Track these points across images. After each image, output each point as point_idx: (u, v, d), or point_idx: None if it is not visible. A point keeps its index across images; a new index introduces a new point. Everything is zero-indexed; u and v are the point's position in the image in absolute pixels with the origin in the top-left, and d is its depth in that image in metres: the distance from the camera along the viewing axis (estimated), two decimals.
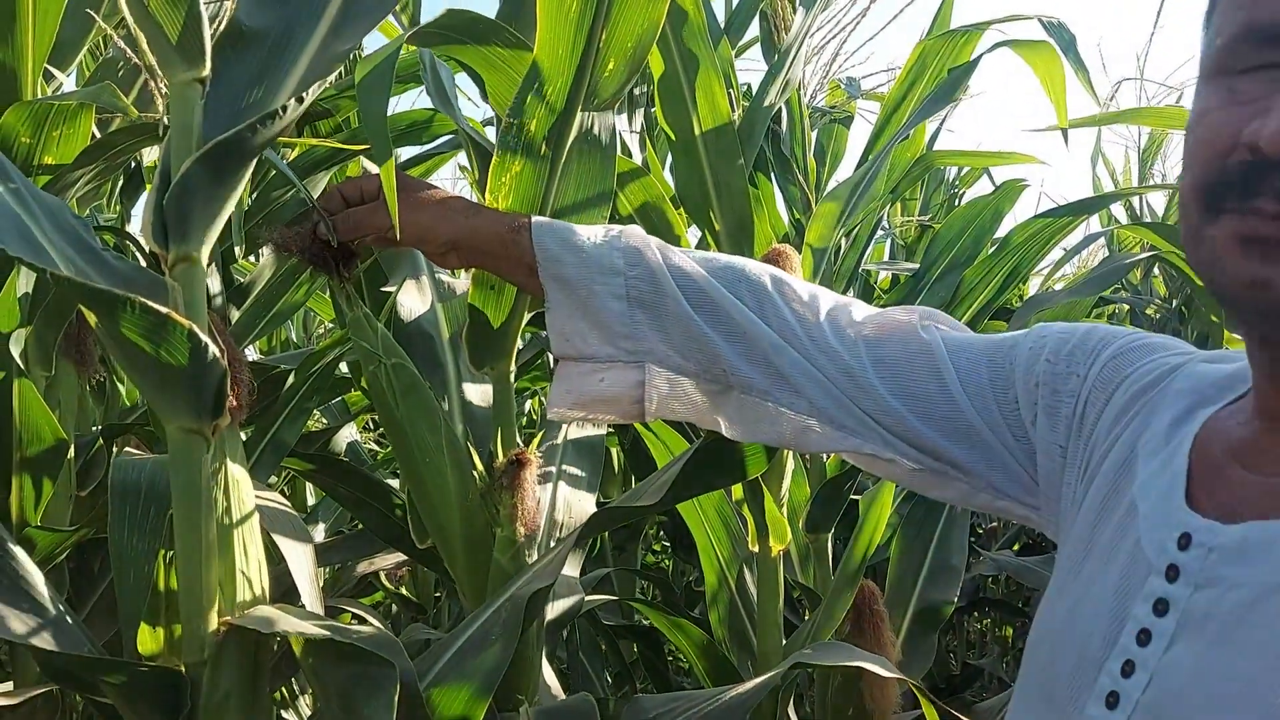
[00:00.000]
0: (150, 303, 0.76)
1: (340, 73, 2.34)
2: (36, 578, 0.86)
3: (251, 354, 2.08)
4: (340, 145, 1.67)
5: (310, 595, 1.03)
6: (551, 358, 0.90)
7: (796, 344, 0.81)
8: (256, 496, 1.05)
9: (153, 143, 1.23)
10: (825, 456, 1.73)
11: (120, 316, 0.77)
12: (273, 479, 1.95)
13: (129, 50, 1.24)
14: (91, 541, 1.38)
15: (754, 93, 1.53)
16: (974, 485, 0.78)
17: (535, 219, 0.87)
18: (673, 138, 1.33)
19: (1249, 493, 0.56)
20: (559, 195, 0.96)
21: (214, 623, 0.82)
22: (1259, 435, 0.58)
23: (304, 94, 0.84)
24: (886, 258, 3.16)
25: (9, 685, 1.26)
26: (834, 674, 1.51)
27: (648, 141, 2.12)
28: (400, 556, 1.82)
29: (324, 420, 2.37)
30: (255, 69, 0.84)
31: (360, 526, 1.76)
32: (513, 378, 1.04)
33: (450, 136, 1.65)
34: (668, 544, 2.90)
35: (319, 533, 2.06)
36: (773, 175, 1.88)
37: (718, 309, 0.82)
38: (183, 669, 0.82)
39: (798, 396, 0.81)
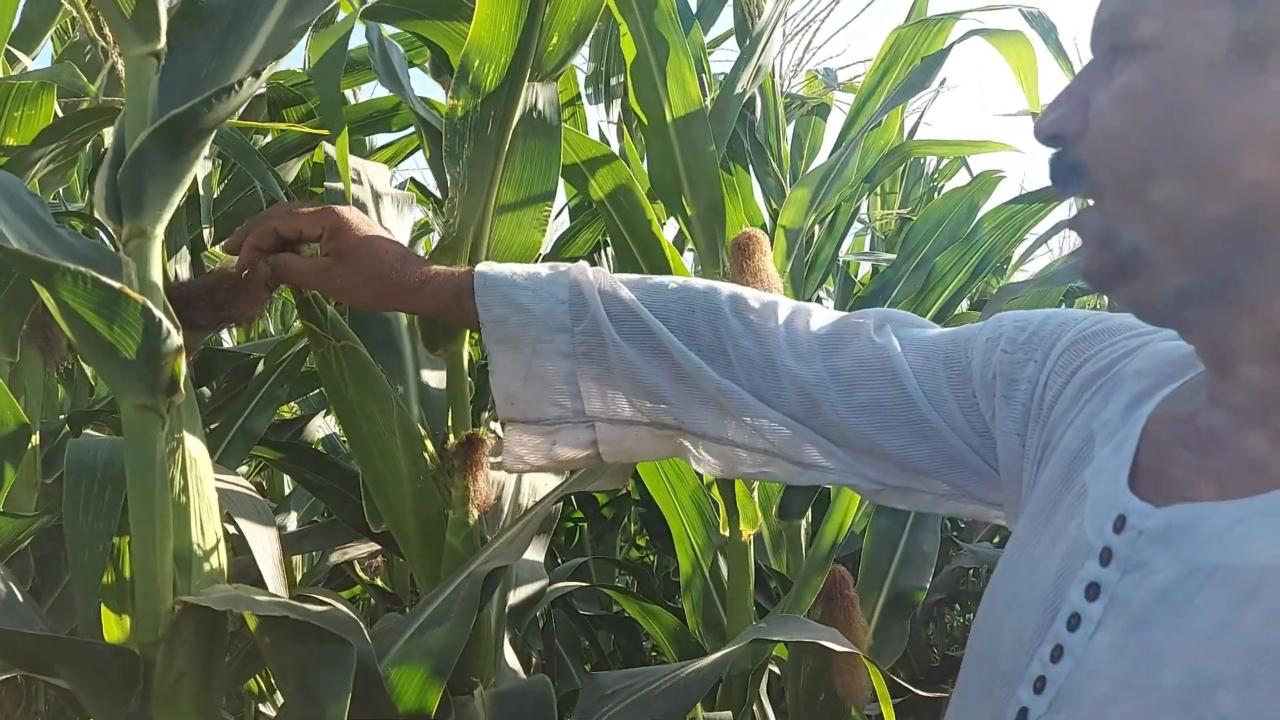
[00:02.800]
0: (102, 277, 0.75)
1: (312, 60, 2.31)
2: None
3: (227, 342, 2.07)
4: (311, 131, 1.66)
5: (274, 579, 1.02)
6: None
7: (751, 374, 0.80)
8: (220, 480, 1.04)
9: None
10: None
11: (72, 292, 0.76)
12: (245, 468, 1.94)
13: (89, 26, 1.23)
14: (58, 528, 1.37)
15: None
16: (937, 492, 0.78)
17: (479, 273, 0.83)
18: (645, 122, 1.33)
19: (1186, 474, 0.55)
20: (505, 178, 0.96)
21: (169, 601, 0.81)
22: (1202, 414, 0.57)
23: (261, 69, 0.83)
24: (867, 250, 3.16)
25: None
26: (805, 661, 1.51)
27: (625, 132, 2.12)
28: (373, 546, 1.81)
29: (301, 412, 2.35)
30: (212, 43, 0.83)
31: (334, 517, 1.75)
32: (466, 359, 1.04)
33: None
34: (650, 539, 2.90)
35: (291, 521, 2.04)
36: (750, 166, 1.88)
37: (663, 354, 0.81)
38: (136, 649, 0.81)
39: (756, 435, 0.81)
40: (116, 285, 0.77)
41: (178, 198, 0.88)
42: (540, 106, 0.95)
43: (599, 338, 0.82)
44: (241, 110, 1.93)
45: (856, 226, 3.02)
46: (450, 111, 0.88)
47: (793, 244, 1.44)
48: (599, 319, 0.82)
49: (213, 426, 1.62)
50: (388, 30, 1.36)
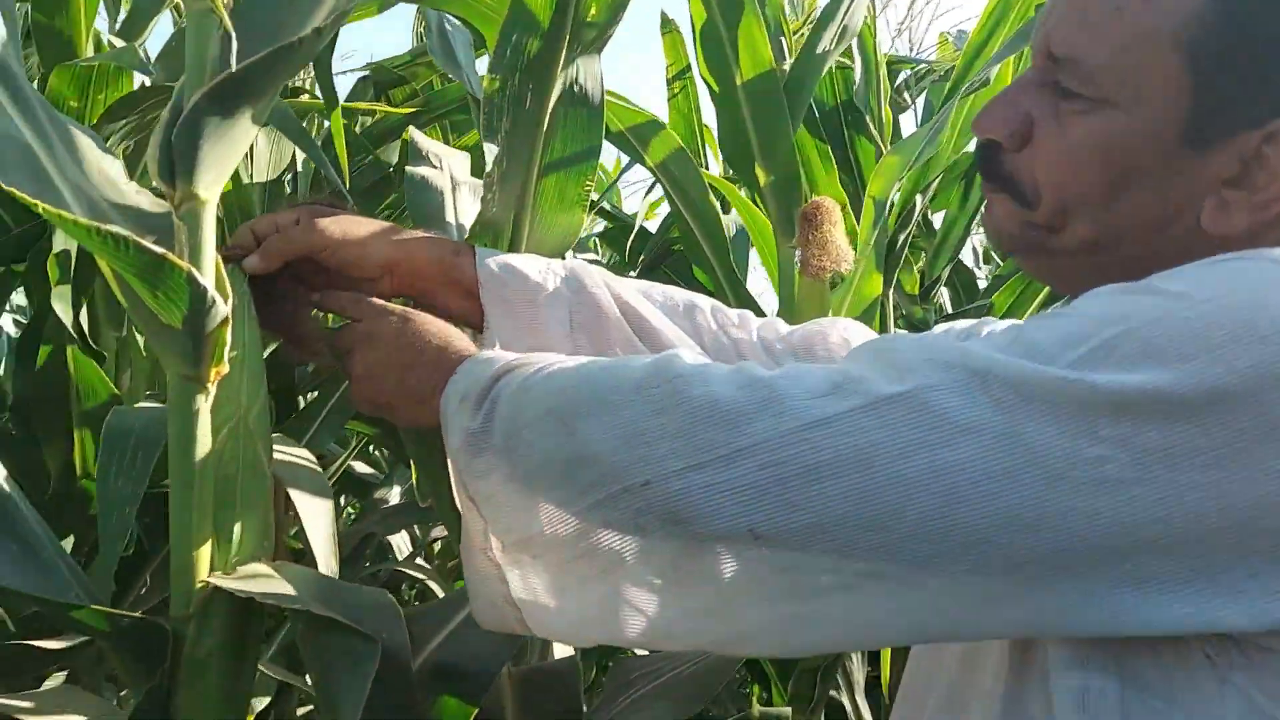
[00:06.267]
0: (145, 243, 0.73)
1: (418, 37, 2.33)
2: (31, 520, 0.86)
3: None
4: (400, 111, 1.65)
5: (325, 554, 1.00)
6: None
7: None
8: (279, 451, 1.03)
9: None
10: None
11: (114, 256, 0.74)
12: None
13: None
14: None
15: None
16: None
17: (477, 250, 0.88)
18: (715, 89, 1.28)
19: None
20: (546, 153, 0.93)
21: (201, 577, 0.80)
22: None
23: (322, 27, 0.79)
24: None
25: None
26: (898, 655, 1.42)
27: None
28: None
29: None
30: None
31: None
32: None
33: None
34: None
35: (395, 495, 2.07)
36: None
37: (657, 336, 0.86)
38: (166, 623, 0.79)
39: None
40: (159, 251, 0.74)
41: (235, 162, 0.86)
42: (581, 80, 0.92)
43: (597, 311, 0.86)
44: (348, 93, 1.95)
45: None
46: (488, 85, 0.85)
47: (879, 215, 1.34)
48: (596, 292, 0.86)
49: (308, 402, 1.65)
50: None
